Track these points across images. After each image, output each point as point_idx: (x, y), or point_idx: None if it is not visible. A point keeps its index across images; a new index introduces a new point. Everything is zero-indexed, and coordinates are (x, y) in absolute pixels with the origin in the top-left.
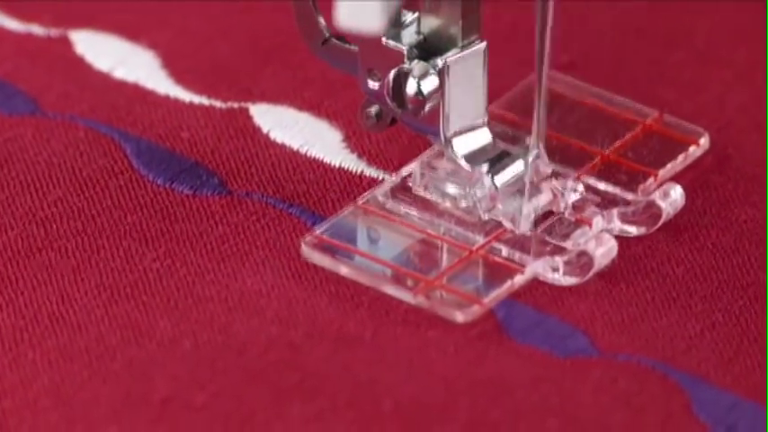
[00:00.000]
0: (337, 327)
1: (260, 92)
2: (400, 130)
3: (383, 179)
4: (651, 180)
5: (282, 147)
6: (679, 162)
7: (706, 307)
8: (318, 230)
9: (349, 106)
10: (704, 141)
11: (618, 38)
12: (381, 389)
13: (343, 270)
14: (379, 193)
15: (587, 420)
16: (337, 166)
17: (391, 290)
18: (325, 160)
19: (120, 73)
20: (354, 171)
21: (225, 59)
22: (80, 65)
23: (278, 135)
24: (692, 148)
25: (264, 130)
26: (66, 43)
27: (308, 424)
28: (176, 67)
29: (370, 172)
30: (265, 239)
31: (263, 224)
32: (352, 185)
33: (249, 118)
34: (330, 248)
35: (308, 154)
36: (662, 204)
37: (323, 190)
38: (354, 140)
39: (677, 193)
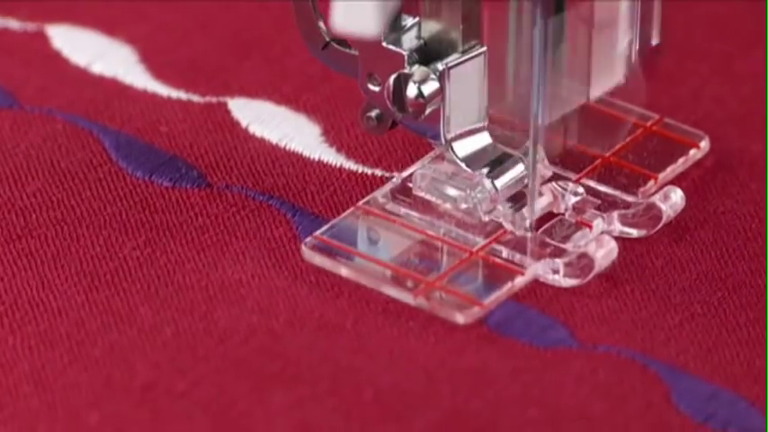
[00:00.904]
0: (318, 315)
1: (238, 86)
2: None
3: (362, 172)
4: (651, 183)
5: (261, 140)
6: (679, 165)
7: (685, 298)
8: (319, 232)
9: (327, 100)
10: (704, 144)
11: None
12: (362, 377)
13: (344, 271)
14: (380, 194)
15: (567, 411)
16: (316, 159)
17: (391, 291)
18: (303, 154)
19: (98, 68)
20: (333, 164)
21: (203, 54)
22: (57, 60)
23: (257, 129)
24: (692, 151)
25: (243, 124)
26: (42, 38)
27: (289, 411)
28: (154, 62)
29: (349, 165)
30: (245, 230)
31: (242, 215)
32: (332, 178)
33: (227, 112)
34: (330, 250)
35: (287, 148)
36: (662, 207)
37: (302, 183)
38: (333, 134)
39: (677, 195)
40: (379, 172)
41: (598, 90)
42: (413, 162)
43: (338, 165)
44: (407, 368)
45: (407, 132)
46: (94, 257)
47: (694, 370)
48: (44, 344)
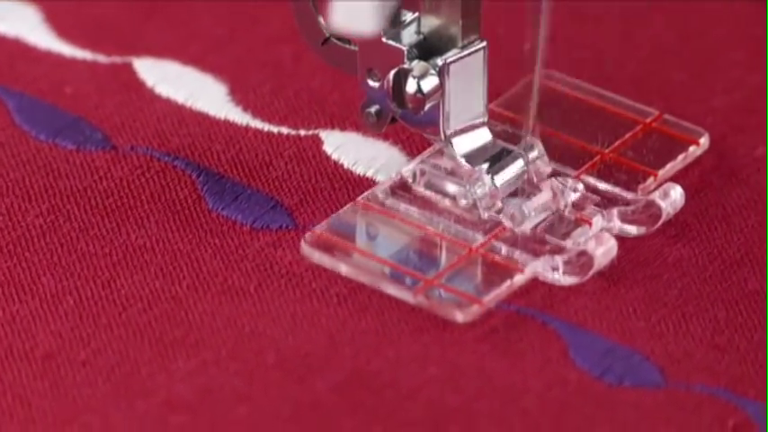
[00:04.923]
0: (222, 279)
1: (144, 46)
2: (285, 84)
3: (268, 131)
4: (651, 179)
5: (167, 101)
6: (679, 162)
7: None
8: (318, 228)
9: (234, 60)
10: (704, 141)
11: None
12: (265, 341)
13: (343, 268)
14: (379, 190)
15: (468, 368)
16: (222, 118)
17: (390, 288)
18: (210, 113)
19: (1, 28)
20: (240, 123)
21: (108, 14)
22: None
23: (163, 89)
24: (691, 148)
25: (149, 85)
26: None
27: (192, 377)
28: (58, 22)
29: (256, 124)
30: (150, 193)
31: (147, 178)
32: (238, 137)
33: (133, 73)
34: (329, 246)
35: (193, 107)
36: (662, 204)
37: (208, 142)
38: (239, 94)
39: (677, 192)
40: (285, 130)
41: None
42: (318, 120)
43: (244, 124)
44: (309, 331)
45: (312, 92)
46: None
47: (592, 326)
48: None
